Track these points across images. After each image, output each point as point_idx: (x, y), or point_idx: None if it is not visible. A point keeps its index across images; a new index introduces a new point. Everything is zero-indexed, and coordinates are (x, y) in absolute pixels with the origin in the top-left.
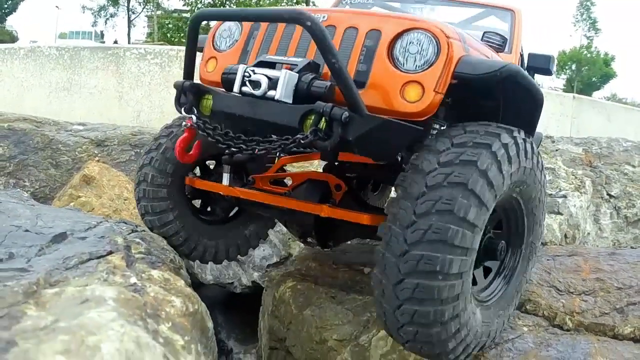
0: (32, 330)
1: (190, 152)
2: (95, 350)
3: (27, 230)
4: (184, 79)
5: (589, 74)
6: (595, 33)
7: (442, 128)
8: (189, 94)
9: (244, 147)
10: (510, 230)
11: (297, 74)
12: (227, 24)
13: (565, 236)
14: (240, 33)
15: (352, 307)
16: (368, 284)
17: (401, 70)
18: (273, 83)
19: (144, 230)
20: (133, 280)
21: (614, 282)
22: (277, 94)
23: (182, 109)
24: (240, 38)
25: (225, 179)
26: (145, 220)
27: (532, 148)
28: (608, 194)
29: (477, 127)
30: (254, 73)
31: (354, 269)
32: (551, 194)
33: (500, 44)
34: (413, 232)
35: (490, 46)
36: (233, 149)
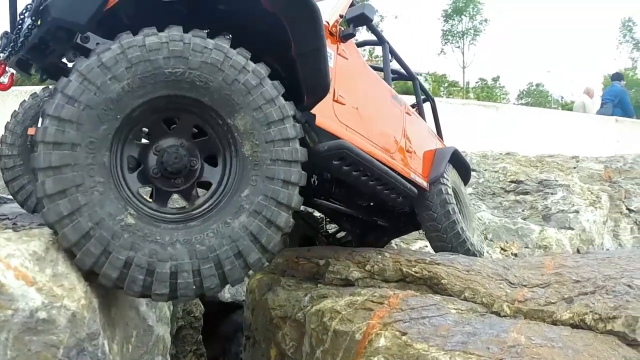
0: None
1: (6, 83)
2: None
3: None
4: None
5: (636, 96)
6: None
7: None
8: (4, 38)
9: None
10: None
11: None
12: None
13: (578, 251)
14: None
15: (298, 290)
16: (322, 274)
17: None
18: None
19: None
20: None
21: (573, 276)
22: None
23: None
24: None
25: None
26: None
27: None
28: (628, 209)
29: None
30: None
31: (312, 262)
32: (563, 210)
33: None
34: None
35: None
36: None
